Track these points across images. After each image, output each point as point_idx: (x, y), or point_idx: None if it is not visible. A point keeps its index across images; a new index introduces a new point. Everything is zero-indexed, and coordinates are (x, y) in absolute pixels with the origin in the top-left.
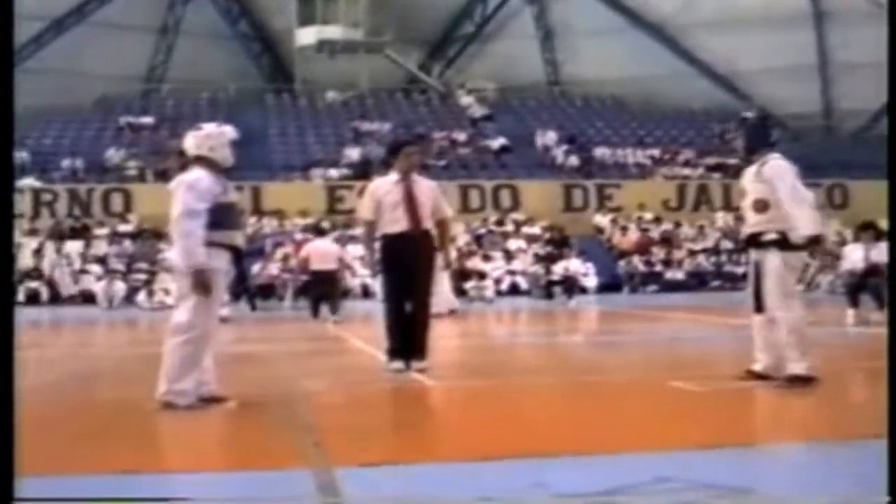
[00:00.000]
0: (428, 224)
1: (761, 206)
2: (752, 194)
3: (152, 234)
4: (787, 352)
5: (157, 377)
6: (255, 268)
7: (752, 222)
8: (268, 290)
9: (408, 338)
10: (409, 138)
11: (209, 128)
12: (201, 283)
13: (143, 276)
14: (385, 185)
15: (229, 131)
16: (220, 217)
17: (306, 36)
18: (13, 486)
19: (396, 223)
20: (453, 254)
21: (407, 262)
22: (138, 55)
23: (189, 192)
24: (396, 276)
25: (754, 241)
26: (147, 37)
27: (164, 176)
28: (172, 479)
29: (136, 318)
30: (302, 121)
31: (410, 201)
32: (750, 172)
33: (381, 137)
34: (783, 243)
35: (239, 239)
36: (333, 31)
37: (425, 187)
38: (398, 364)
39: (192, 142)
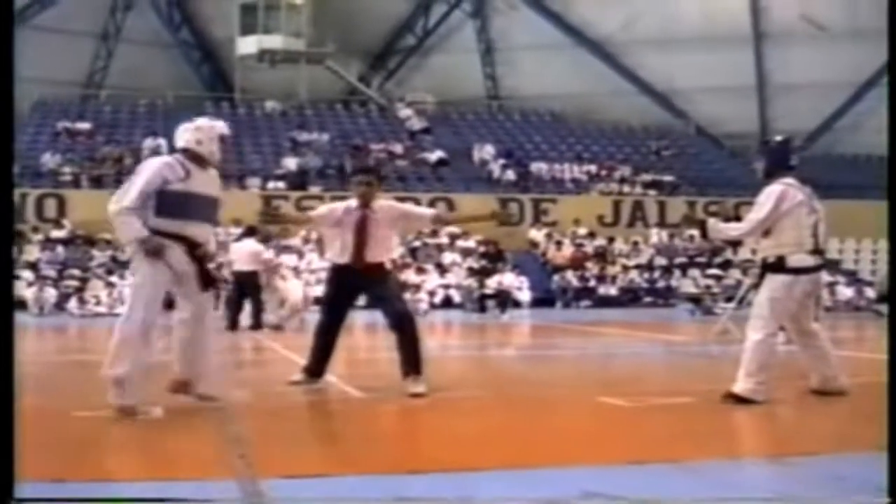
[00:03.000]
0: (380, 257)
1: (766, 230)
2: None
3: (85, 241)
4: (741, 368)
5: (85, 385)
6: None
7: (761, 247)
8: None
9: (325, 361)
10: (366, 165)
11: (200, 121)
12: (149, 250)
13: (74, 283)
14: (345, 210)
15: (220, 126)
16: (169, 204)
17: (247, 45)
18: (13, 486)
19: (344, 253)
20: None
21: (351, 292)
22: (78, 60)
23: (136, 175)
24: (333, 306)
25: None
26: (87, 42)
27: (98, 182)
28: (96, 487)
29: (66, 325)
30: (240, 130)
31: (359, 234)
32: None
33: (318, 148)
34: (778, 267)
35: (192, 230)
36: (275, 41)
37: (386, 215)
38: (308, 384)
39: (180, 134)
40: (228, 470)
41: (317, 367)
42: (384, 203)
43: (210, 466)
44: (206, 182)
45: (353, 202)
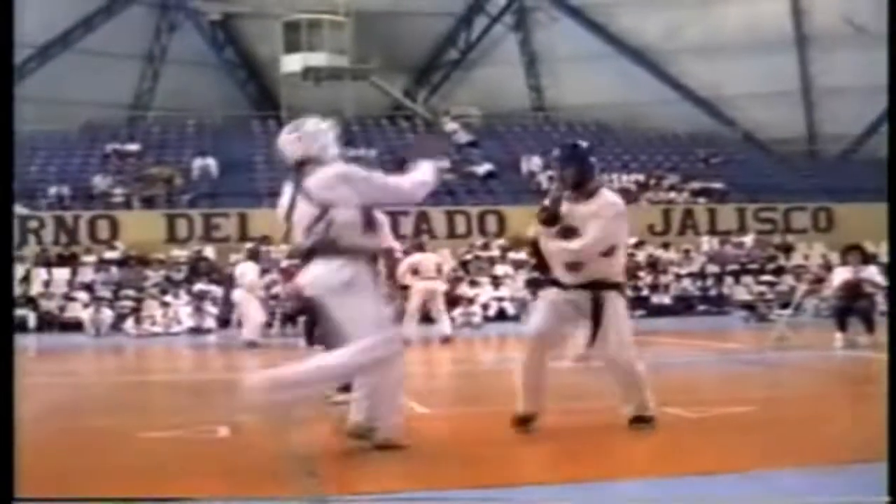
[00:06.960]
0: None
1: (611, 249)
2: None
3: (139, 261)
4: (641, 391)
5: (148, 405)
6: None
7: (600, 267)
8: None
9: None
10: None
11: (311, 123)
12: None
13: (130, 304)
14: None
15: (329, 125)
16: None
17: (292, 63)
18: (13, 486)
19: None
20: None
21: None
22: (124, 82)
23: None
24: None
25: (597, 284)
26: (133, 64)
27: (150, 203)
28: None
29: (123, 345)
30: None
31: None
32: (583, 207)
33: (366, 164)
34: (621, 286)
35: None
36: (319, 58)
37: None
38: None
39: (300, 143)
40: (298, 488)
41: None
42: None
43: (282, 485)
44: None
45: None
